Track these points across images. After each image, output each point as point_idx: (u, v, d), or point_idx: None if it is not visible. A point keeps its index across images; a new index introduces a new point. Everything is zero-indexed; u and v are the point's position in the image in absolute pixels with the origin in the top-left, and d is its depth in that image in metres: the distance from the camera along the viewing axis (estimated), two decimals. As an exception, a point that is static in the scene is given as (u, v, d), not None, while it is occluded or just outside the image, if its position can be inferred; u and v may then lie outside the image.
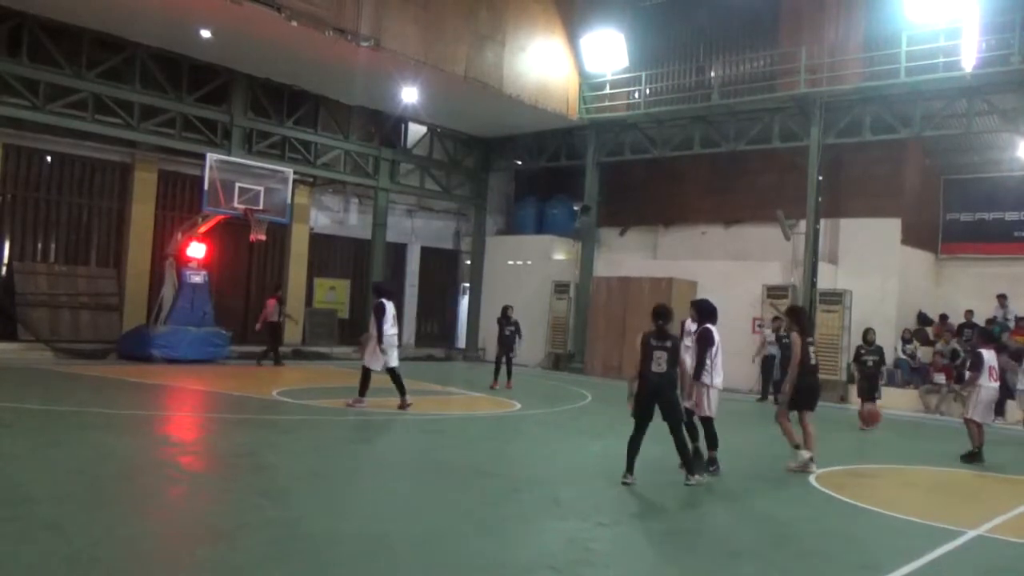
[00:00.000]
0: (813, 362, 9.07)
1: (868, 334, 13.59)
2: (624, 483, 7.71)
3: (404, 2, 17.38)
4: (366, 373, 11.85)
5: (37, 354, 16.14)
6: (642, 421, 7.84)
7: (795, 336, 8.95)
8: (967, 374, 10.91)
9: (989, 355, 10.55)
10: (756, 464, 9.98)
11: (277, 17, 15.19)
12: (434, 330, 25.76)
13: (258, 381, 14.84)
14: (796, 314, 9.32)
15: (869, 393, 13.38)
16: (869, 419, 12.33)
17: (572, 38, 21.44)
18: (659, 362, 7.71)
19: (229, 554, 5.15)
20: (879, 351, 13.38)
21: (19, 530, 5.26)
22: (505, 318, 16.53)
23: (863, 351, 13.44)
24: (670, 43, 21.87)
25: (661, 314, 7.88)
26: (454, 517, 6.45)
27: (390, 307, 11.92)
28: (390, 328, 11.77)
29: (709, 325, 8.49)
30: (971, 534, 6.69)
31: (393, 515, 6.42)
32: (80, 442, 8.47)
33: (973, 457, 10.41)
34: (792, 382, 8.88)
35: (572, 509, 6.89)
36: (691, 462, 8.00)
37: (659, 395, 7.76)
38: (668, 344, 7.78)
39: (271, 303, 17.99)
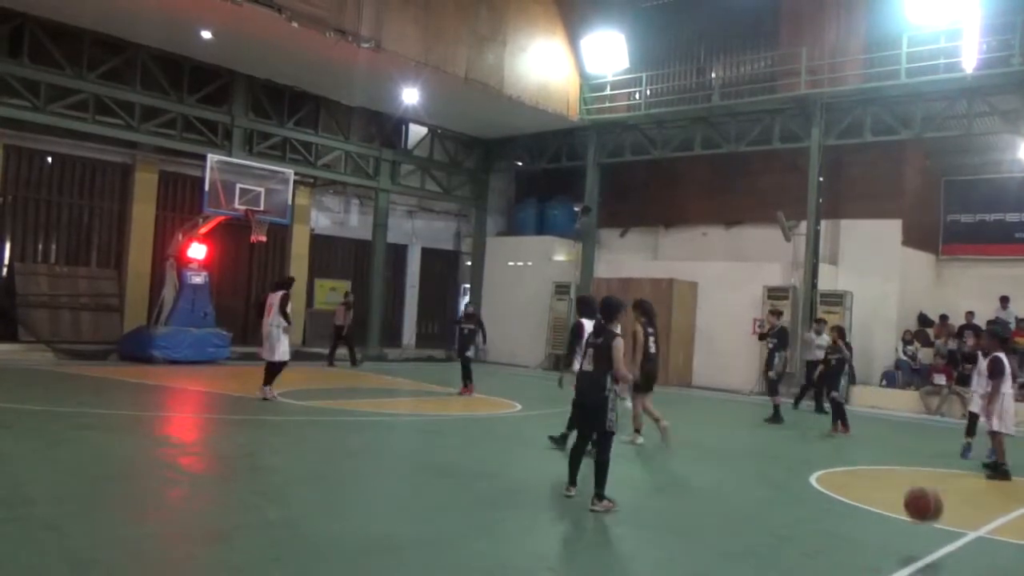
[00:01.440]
0: (652, 351, 10.07)
1: (832, 331, 13.54)
2: (567, 496, 7.04)
3: (405, 3, 17.39)
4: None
5: (38, 355, 16.13)
6: (581, 428, 7.27)
7: (638, 327, 9.83)
8: (988, 383, 9.61)
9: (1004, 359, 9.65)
10: (757, 465, 9.98)
11: (278, 18, 15.19)
12: (434, 331, 25.75)
13: (258, 382, 14.83)
14: (643, 307, 10.18)
15: (831, 391, 13.07)
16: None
17: (573, 39, 21.44)
18: (588, 360, 7.01)
19: (228, 555, 5.15)
20: (840, 349, 13.20)
21: (19, 531, 5.26)
22: (466, 316, 15.20)
23: (828, 351, 13.41)
24: (671, 44, 21.87)
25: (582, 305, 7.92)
26: (453, 518, 6.44)
27: (271, 298, 12.53)
28: (268, 318, 12.29)
29: (582, 319, 8.99)
30: (972, 535, 6.68)
31: (392, 516, 6.42)
32: (80, 443, 8.47)
33: (998, 471, 9.47)
34: (638, 366, 9.77)
35: (572, 510, 6.88)
36: (603, 485, 6.81)
37: (585, 397, 7.06)
38: (599, 341, 6.98)
39: (341, 309, 19.24)
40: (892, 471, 10.27)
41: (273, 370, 12.23)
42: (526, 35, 20.26)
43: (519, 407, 13.70)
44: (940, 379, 16.48)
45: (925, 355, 17.72)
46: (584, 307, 9.37)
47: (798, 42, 18.84)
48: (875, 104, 17.54)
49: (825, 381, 13.38)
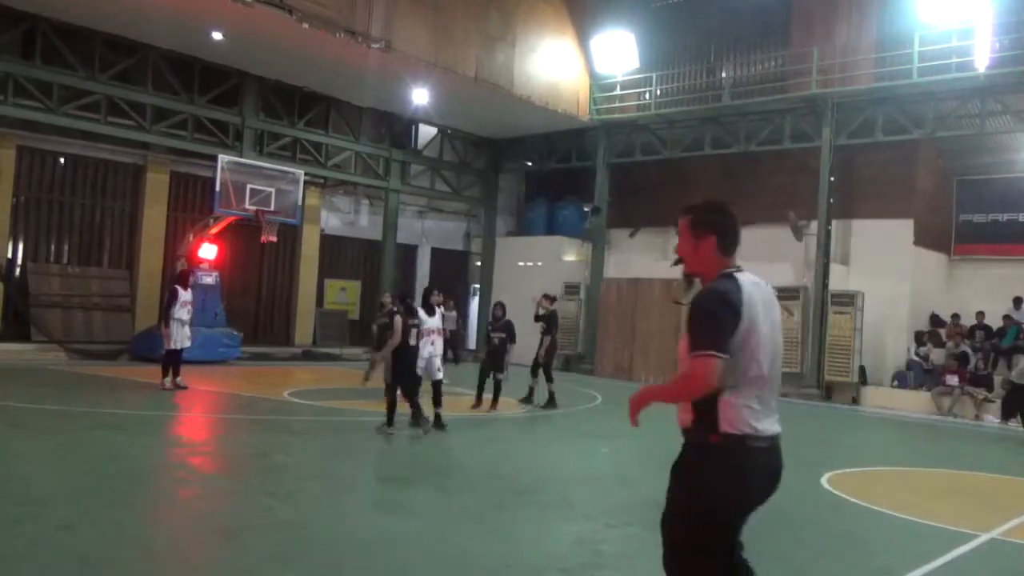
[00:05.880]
0: (413, 343, 10.35)
1: (496, 309, 13.21)
2: (391, 433, 9.67)
3: (414, 4, 17.41)
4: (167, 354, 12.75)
5: (50, 355, 16.22)
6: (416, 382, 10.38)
7: (398, 319, 10.13)
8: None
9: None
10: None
11: (288, 19, 15.24)
12: (444, 331, 25.72)
13: (269, 382, 14.90)
14: (402, 299, 10.99)
15: (496, 370, 12.84)
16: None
17: (583, 39, 21.43)
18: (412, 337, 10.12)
19: (240, 555, 5.16)
20: (506, 326, 12.96)
21: (32, 530, 5.28)
22: (495, 322, 13.28)
23: (490, 326, 13.40)
24: (681, 44, 21.82)
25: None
26: (463, 518, 6.45)
27: (183, 294, 12.88)
28: (177, 312, 12.69)
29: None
30: (985, 537, 6.63)
31: (402, 516, 6.41)
32: (92, 443, 8.51)
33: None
34: (385, 358, 10.06)
35: (581, 511, 6.87)
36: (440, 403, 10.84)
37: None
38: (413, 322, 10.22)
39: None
40: (904, 472, 10.22)
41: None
42: (536, 35, 20.25)
43: (528, 407, 13.69)
44: (952, 380, 16.39)
45: (937, 356, 17.62)
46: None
47: (809, 41, 18.77)
48: (887, 103, 17.44)
49: (492, 362, 13.04)
